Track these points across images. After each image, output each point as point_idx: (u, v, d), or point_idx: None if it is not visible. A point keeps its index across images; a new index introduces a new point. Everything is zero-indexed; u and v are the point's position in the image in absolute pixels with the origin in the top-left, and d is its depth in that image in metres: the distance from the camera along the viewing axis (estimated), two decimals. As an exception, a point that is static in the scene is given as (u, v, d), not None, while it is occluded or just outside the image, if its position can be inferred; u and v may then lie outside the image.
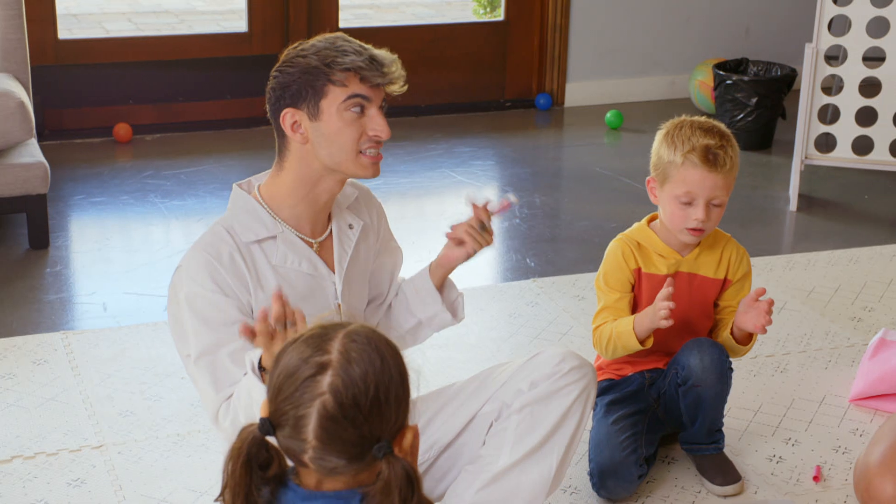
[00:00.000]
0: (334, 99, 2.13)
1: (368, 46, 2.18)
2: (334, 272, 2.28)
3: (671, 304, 2.42)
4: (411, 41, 5.30)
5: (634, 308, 2.63)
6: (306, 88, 2.13)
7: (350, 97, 2.13)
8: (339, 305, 2.27)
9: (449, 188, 4.60)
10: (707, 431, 2.64)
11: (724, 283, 2.66)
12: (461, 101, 5.46)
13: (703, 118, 2.58)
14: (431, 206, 4.43)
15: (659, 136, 2.60)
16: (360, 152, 2.17)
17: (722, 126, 2.57)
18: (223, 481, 1.52)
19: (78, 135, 4.91)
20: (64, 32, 4.90)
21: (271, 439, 1.53)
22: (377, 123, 2.16)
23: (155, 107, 5.02)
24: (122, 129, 4.88)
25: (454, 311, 2.44)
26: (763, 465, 2.75)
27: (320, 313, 2.23)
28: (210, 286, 2.16)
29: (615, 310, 2.60)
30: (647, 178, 2.61)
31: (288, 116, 2.16)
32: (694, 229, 2.53)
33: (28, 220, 3.84)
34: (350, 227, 2.32)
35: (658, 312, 2.44)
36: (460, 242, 2.34)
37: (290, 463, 1.55)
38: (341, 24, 5.18)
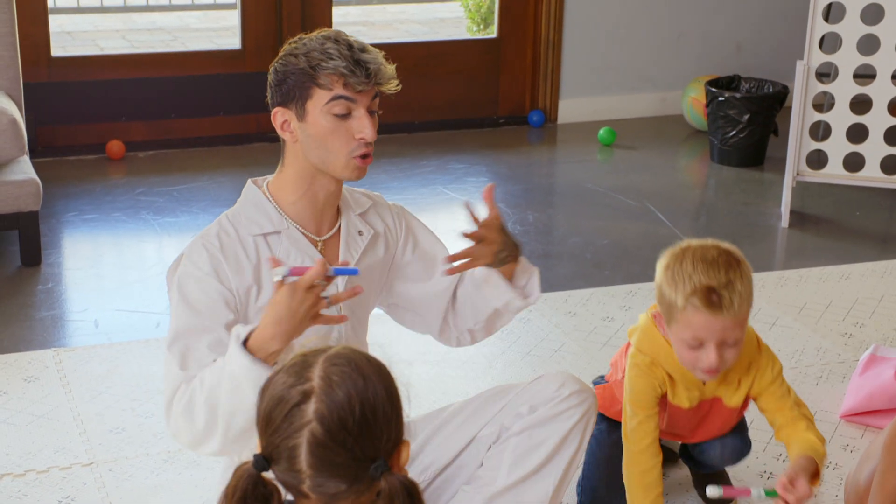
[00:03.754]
0: (319, 100, 2.14)
1: (360, 46, 2.16)
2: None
3: None
4: (405, 58, 5.30)
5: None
6: (294, 89, 2.15)
7: (333, 99, 2.13)
8: (340, 308, 2.26)
9: (442, 205, 4.60)
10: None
11: (747, 399, 2.45)
12: (454, 117, 5.47)
13: (708, 243, 2.25)
14: (425, 223, 4.42)
15: (659, 268, 2.27)
16: (352, 156, 2.17)
17: (731, 251, 2.24)
18: None
19: (70, 152, 4.91)
20: (57, 49, 4.91)
21: (268, 474, 1.51)
22: (362, 125, 2.15)
23: (148, 124, 5.02)
24: (114, 146, 4.89)
25: (525, 294, 2.32)
26: (754, 481, 2.74)
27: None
28: (207, 269, 2.16)
29: (646, 429, 2.39)
30: (654, 311, 2.35)
31: (279, 115, 2.19)
32: (708, 370, 2.28)
33: (20, 238, 3.84)
34: (360, 233, 2.31)
35: None
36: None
37: (288, 496, 1.52)
38: (334, 42, 5.19)
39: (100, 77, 4.92)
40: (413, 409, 3.05)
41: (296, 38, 2.19)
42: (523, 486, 2.22)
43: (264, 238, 2.22)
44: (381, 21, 7.98)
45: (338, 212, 2.30)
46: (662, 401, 2.42)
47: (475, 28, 6.95)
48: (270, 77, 2.20)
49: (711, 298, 2.17)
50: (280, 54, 2.19)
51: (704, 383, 2.39)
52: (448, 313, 2.42)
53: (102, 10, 7.75)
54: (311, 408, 1.45)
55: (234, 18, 5.28)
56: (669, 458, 2.80)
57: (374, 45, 2.22)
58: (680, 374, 2.37)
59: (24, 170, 3.84)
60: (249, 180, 2.30)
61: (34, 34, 4.73)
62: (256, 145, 5.14)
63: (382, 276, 2.39)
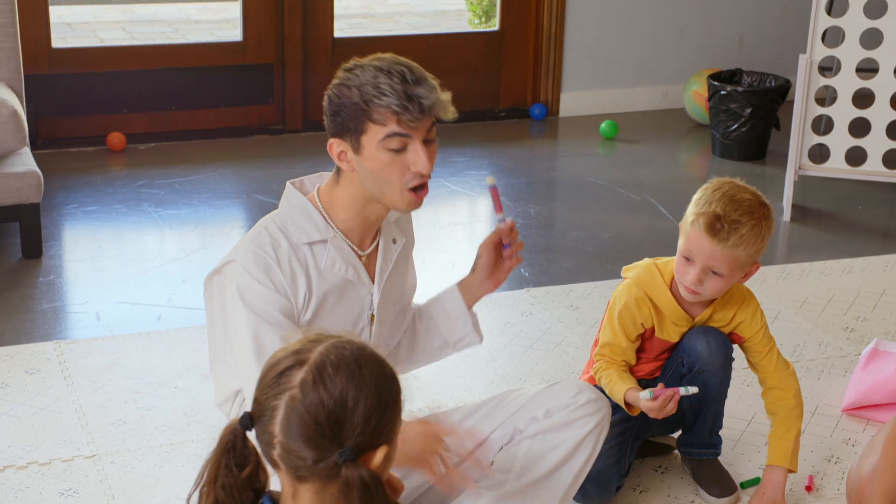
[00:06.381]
0: (374, 136, 2.10)
1: (414, 78, 2.11)
2: (374, 283, 2.27)
3: (659, 415, 2.41)
4: (406, 51, 5.26)
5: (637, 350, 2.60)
6: (348, 122, 2.11)
7: (388, 136, 2.09)
8: (374, 316, 2.26)
9: (444, 198, 4.60)
10: (709, 430, 2.64)
11: (733, 338, 2.62)
12: (456, 110, 5.45)
13: (750, 188, 2.47)
14: (426, 216, 4.42)
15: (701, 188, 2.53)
16: (407, 189, 2.14)
17: (760, 199, 2.45)
18: (198, 475, 1.58)
19: (71, 143, 4.90)
20: (58, 41, 4.90)
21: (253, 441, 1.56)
22: (418, 159, 2.11)
23: (149, 115, 5.01)
24: (115, 138, 4.88)
25: (480, 333, 2.41)
26: (756, 475, 2.74)
27: (354, 321, 2.24)
28: (264, 280, 2.14)
29: (619, 352, 2.55)
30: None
31: (335, 146, 2.15)
32: (689, 288, 2.48)
33: (21, 230, 3.83)
34: (394, 241, 2.31)
35: (650, 413, 2.42)
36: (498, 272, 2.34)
37: (269, 483, 1.57)
38: (336, 34, 5.18)
39: (100, 69, 4.92)
40: (414, 401, 3.05)
41: (350, 65, 2.13)
42: (532, 490, 2.22)
43: (310, 247, 2.20)
44: (381, 13, 7.97)
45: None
46: (648, 332, 2.57)
47: (476, 21, 6.94)
48: (325, 105, 2.15)
49: (715, 224, 2.40)
50: (334, 82, 2.14)
51: (693, 318, 2.56)
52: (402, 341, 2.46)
53: (102, 0, 7.73)
54: (299, 375, 1.51)
55: (235, 10, 5.27)
56: (666, 452, 2.80)
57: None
58: (671, 310, 2.55)
59: (25, 162, 3.84)
60: (289, 184, 2.26)
61: (35, 26, 4.72)
62: (258, 137, 5.13)
63: (404, 281, 2.41)
